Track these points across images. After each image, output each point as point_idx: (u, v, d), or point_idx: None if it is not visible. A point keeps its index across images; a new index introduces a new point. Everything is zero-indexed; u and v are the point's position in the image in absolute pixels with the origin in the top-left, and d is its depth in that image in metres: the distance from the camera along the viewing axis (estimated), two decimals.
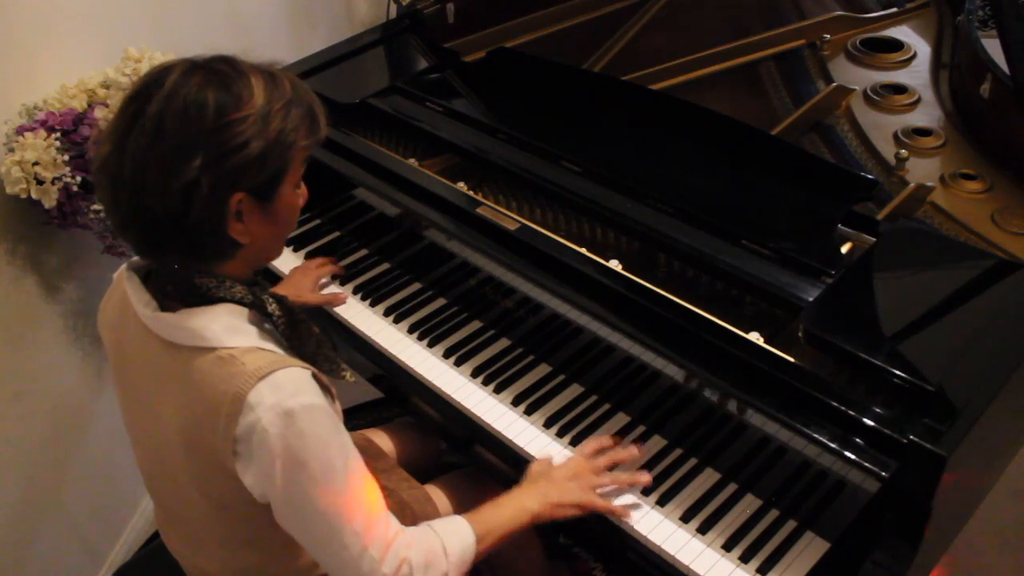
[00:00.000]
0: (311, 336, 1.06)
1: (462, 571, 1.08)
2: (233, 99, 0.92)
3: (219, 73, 0.93)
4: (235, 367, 0.94)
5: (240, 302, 1.00)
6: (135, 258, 1.06)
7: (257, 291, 1.02)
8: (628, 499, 1.22)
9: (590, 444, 1.25)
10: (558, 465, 1.23)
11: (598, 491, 1.20)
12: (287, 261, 1.68)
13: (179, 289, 1.00)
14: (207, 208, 0.92)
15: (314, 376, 0.98)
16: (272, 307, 1.01)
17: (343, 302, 1.56)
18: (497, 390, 1.39)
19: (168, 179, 0.89)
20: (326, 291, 1.59)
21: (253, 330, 1.00)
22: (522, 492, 1.19)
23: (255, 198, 0.95)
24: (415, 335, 1.50)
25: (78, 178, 1.51)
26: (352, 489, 0.98)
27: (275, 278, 1.65)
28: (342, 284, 1.62)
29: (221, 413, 0.93)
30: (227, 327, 0.97)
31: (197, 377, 0.96)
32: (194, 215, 0.91)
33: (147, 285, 1.03)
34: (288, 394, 0.93)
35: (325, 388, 1.00)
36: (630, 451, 1.24)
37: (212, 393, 0.94)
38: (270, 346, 0.99)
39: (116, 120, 0.94)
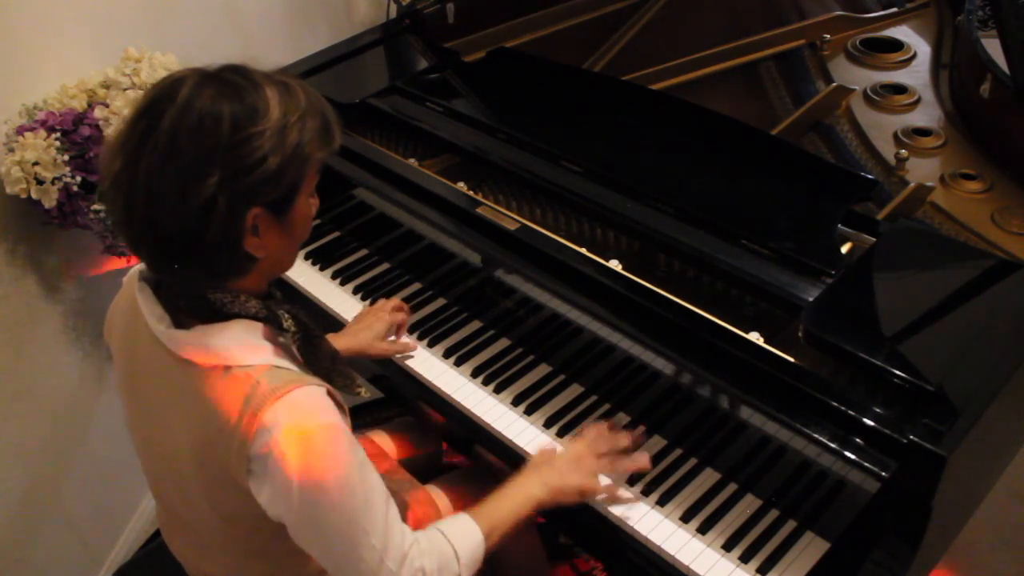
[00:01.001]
0: (326, 351, 1.04)
1: (473, 570, 1.08)
2: (248, 112, 0.88)
3: (232, 84, 0.90)
4: (250, 386, 0.92)
5: (255, 317, 0.98)
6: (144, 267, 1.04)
7: (272, 304, 0.99)
8: (628, 497, 1.22)
9: (590, 431, 1.24)
10: (559, 452, 1.22)
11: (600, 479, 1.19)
12: (342, 301, 1.60)
13: (192, 304, 0.97)
14: (224, 225, 0.89)
15: (328, 393, 0.97)
16: (287, 322, 0.99)
17: (414, 349, 1.48)
18: (497, 390, 1.39)
19: (184, 196, 0.87)
20: (401, 338, 1.50)
21: (268, 346, 0.98)
22: (524, 479, 1.18)
23: (271, 212, 0.92)
24: (415, 335, 1.50)
25: (78, 178, 1.51)
26: (370, 505, 0.97)
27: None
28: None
29: (236, 432, 0.92)
30: (242, 345, 0.96)
31: (211, 395, 0.94)
32: (211, 232, 0.88)
33: (158, 297, 1.01)
34: (305, 414, 0.92)
35: (339, 404, 0.98)
36: (628, 436, 1.24)
37: (227, 412, 0.93)
38: (285, 363, 0.97)
39: (126, 134, 0.90)
